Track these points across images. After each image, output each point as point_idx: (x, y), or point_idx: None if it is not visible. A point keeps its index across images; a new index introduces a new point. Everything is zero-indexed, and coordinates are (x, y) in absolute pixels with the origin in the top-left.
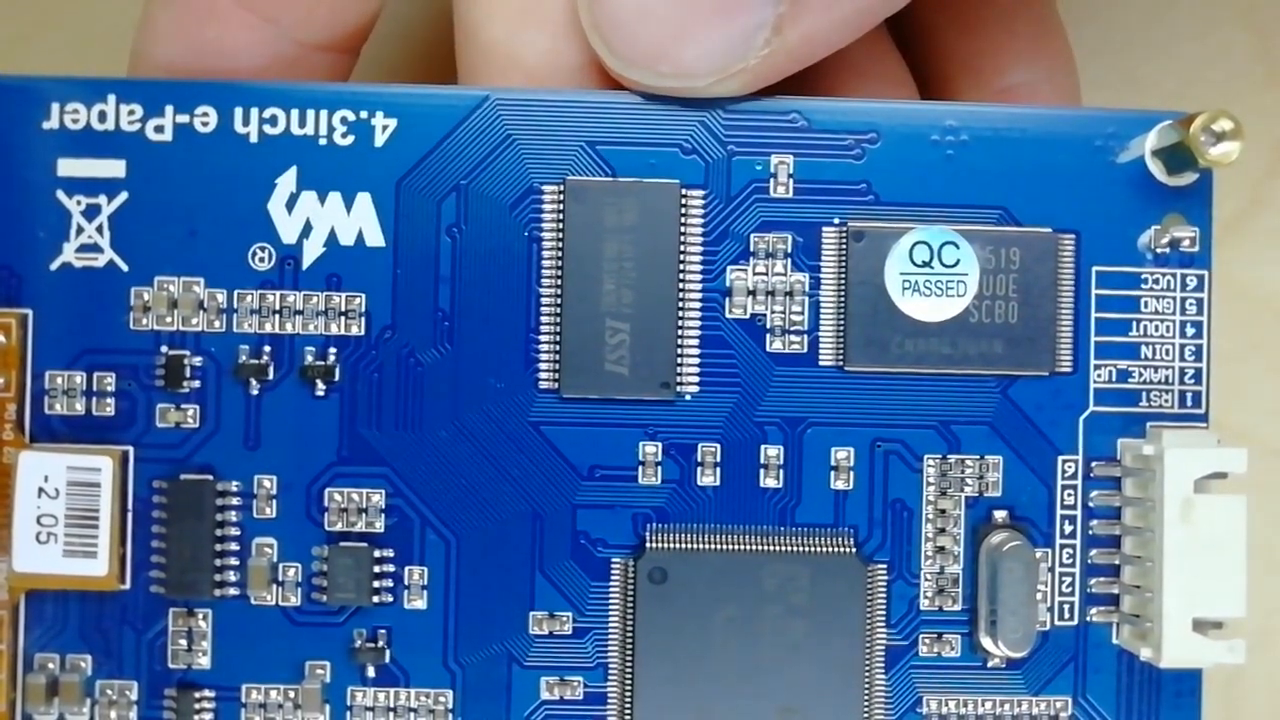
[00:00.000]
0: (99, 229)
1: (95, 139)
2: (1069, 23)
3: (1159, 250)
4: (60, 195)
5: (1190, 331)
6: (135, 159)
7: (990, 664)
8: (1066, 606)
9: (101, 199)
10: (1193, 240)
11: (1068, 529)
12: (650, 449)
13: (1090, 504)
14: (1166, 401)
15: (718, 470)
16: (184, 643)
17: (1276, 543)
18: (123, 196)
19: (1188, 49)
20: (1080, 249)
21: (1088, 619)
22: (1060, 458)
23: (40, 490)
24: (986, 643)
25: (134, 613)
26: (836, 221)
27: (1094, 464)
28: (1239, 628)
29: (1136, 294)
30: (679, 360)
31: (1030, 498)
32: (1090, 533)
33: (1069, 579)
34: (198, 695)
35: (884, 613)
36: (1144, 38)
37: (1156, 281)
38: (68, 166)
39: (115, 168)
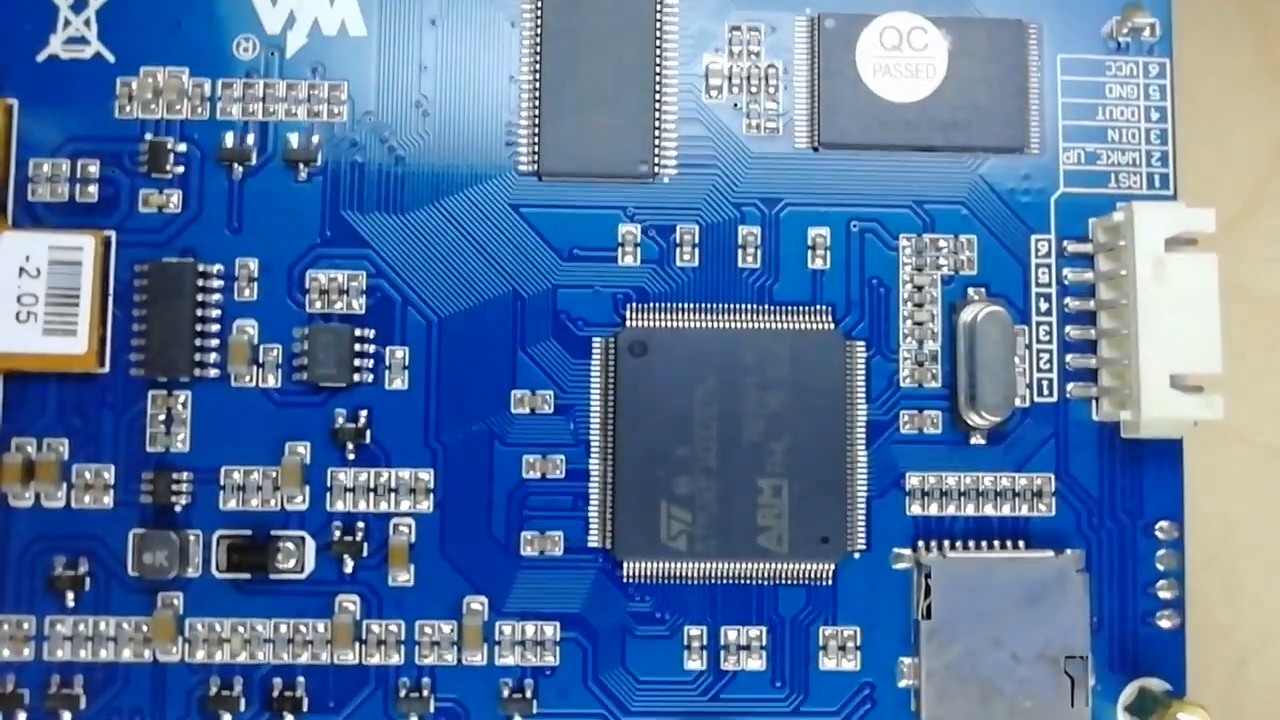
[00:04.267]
0: (86, 22)
1: None
2: None
3: (1121, 39)
4: None
5: (1155, 116)
6: None
7: (972, 440)
8: (1045, 383)
9: None
10: (1153, 30)
11: (1043, 306)
12: (629, 230)
13: (1064, 281)
14: (1135, 183)
15: (696, 250)
16: (162, 425)
17: (1277, 543)
18: None
19: (1193, 45)
20: (1044, 37)
21: (1067, 395)
22: (1034, 237)
23: (21, 270)
24: (968, 415)
25: (113, 395)
26: (808, 12)
27: (1066, 243)
28: (1216, 385)
29: (1101, 80)
30: (657, 142)
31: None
32: (1066, 310)
33: (1046, 356)
34: (175, 477)
35: (864, 387)
36: None
37: (1120, 68)
38: None
39: None
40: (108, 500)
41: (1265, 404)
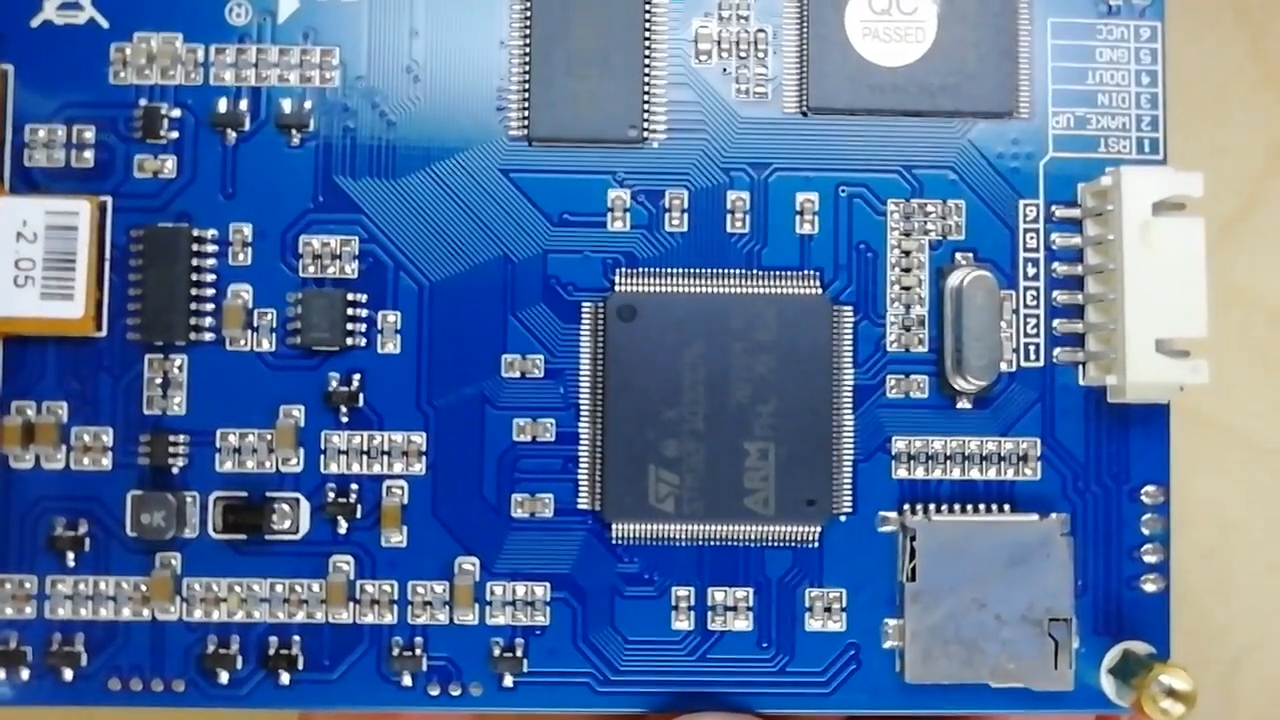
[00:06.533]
0: None
1: None
2: None
3: (1111, 3)
4: None
5: (1145, 80)
6: None
7: (959, 404)
8: (1032, 348)
9: None
10: None
11: (1031, 271)
12: (619, 195)
13: (1052, 246)
14: (1124, 147)
15: (685, 216)
16: (159, 388)
17: (1277, 543)
18: None
19: (1187, 49)
20: (1034, 0)
21: (1053, 360)
22: (1022, 202)
23: (19, 235)
24: (954, 379)
25: (110, 359)
26: None
27: (1055, 207)
28: (1201, 349)
29: (1092, 44)
30: (647, 107)
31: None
32: (1053, 275)
33: (1034, 320)
34: (172, 439)
35: (850, 352)
36: None
37: (1110, 32)
38: None
39: None
40: (106, 462)
41: (1261, 405)
